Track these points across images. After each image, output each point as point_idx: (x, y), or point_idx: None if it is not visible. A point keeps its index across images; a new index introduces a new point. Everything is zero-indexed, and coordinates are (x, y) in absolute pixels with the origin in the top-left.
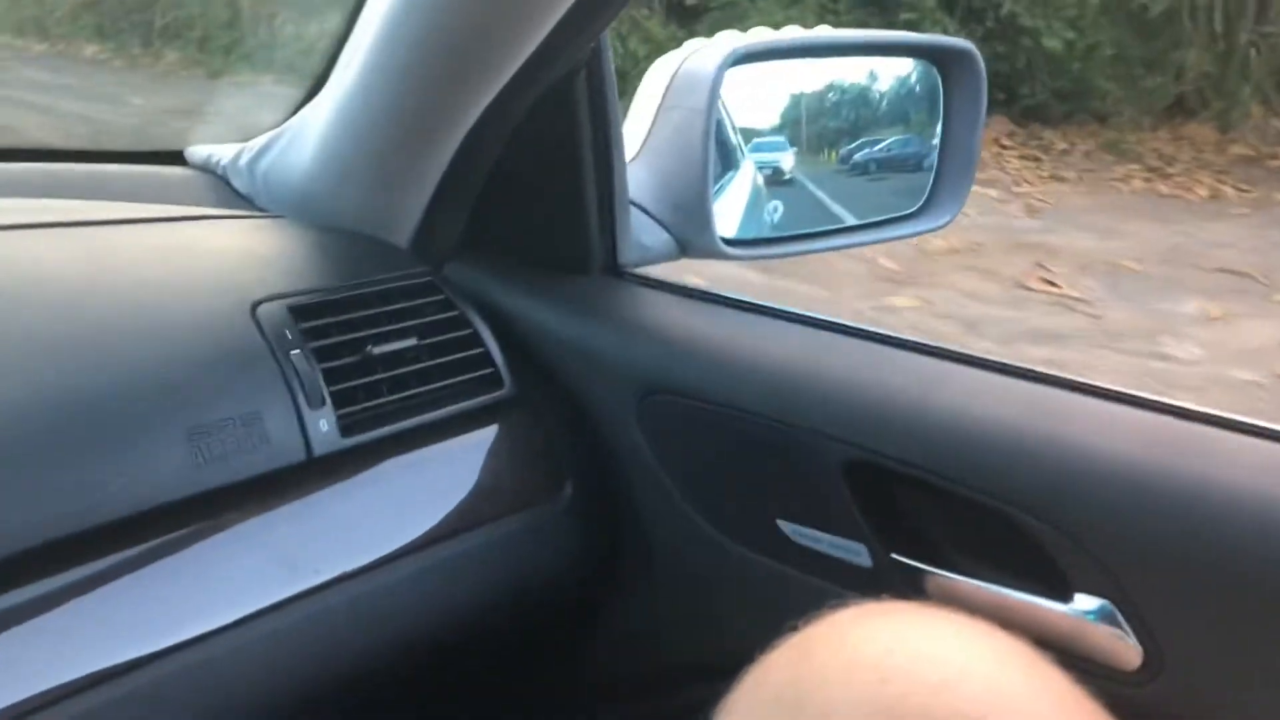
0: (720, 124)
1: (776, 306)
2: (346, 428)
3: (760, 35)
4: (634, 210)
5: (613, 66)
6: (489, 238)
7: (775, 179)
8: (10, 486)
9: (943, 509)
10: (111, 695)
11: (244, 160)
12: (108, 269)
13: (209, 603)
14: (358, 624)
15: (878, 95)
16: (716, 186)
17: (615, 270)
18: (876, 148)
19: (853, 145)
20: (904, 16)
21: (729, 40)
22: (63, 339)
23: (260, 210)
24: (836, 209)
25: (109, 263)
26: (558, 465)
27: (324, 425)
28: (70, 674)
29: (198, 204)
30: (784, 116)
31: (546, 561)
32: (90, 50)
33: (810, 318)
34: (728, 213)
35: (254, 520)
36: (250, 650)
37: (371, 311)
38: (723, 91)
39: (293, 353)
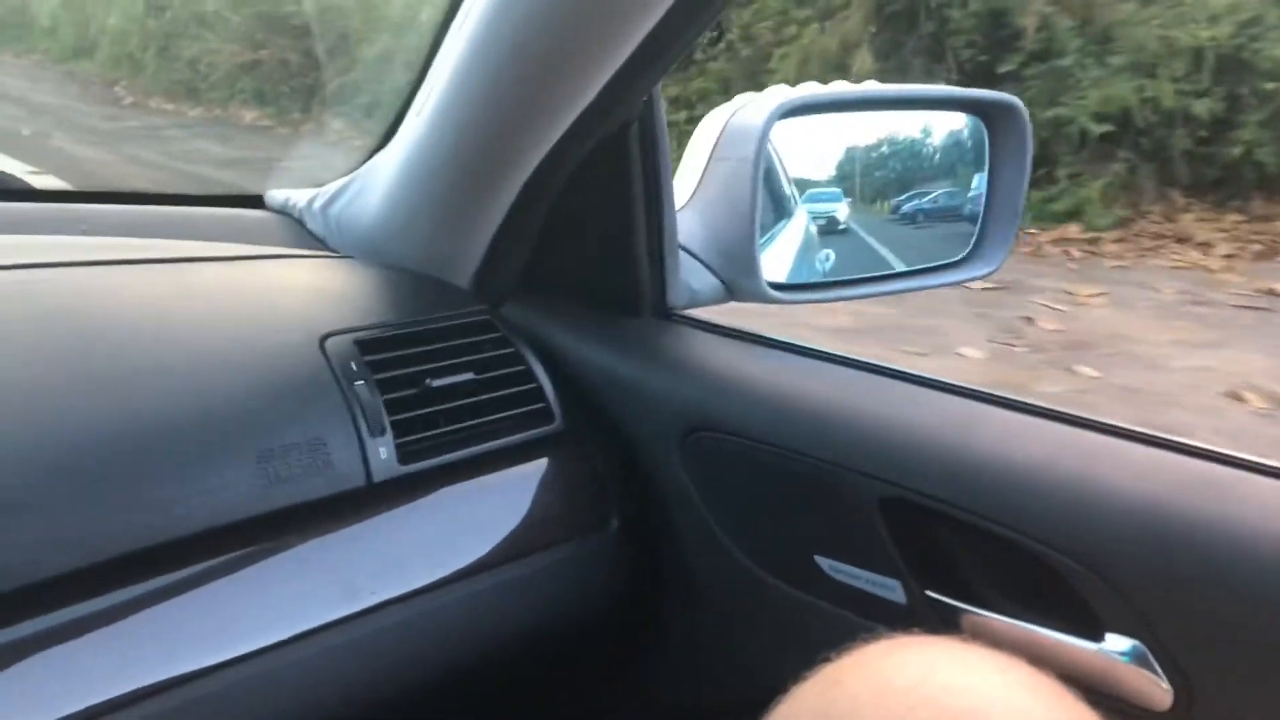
0: (773, 174)
1: (817, 348)
2: (405, 456)
3: (809, 89)
4: (684, 255)
5: (664, 117)
6: (545, 279)
7: (829, 228)
8: (96, 501)
9: (976, 547)
10: (175, 703)
11: (318, 204)
12: (190, 302)
13: (271, 618)
14: (409, 645)
15: (928, 147)
16: (768, 234)
17: (664, 312)
18: (926, 198)
19: (903, 195)
20: None
21: (778, 94)
22: (147, 365)
23: (331, 251)
24: (886, 256)
25: (191, 296)
26: (604, 498)
27: (384, 453)
28: (140, 680)
29: (274, 244)
30: (839, 168)
31: (591, 591)
32: (250, 116)
33: (848, 359)
34: (778, 259)
35: (315, 541)
36: (307, 666)
37: (432, 347)
38: (776, 143)
39: (357, 383)
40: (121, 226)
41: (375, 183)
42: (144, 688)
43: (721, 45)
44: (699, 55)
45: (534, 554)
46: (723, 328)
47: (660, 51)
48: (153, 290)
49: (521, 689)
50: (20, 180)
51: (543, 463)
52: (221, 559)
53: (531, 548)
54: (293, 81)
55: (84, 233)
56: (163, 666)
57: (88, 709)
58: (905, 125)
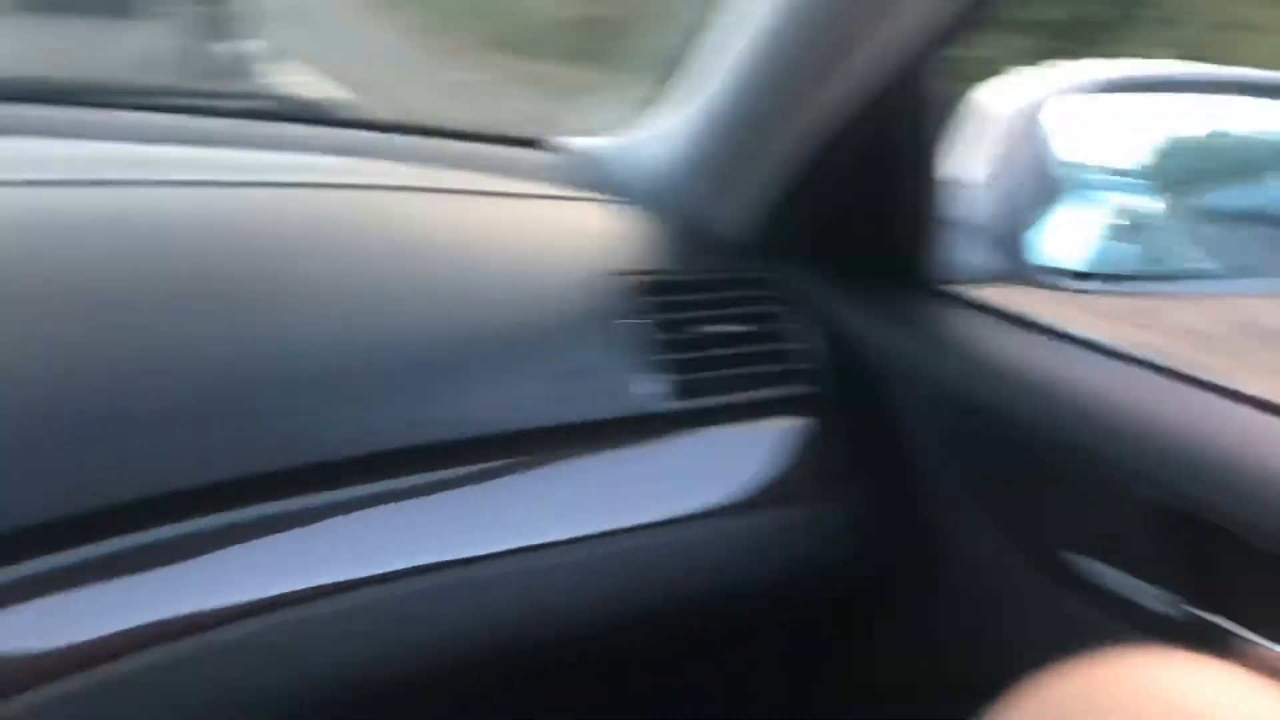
0: (1066, 153)
1: (1096, 339)
2: (678, 392)
3: (1119, 64)
4: (962, 230)
5: (943, 85)
6: (818, 242)
7: (1130, 216)
8: (409, 394)
9: (1257, 568)
10: (447, 581)
11: (605, 149)
12: (483, 232)
13: (540, 523)
14: (646, 572)
15: (1260, 139)
16: (1057, 215)
17: (934, 287)
18: (1258, 196)
19: (1225, 189)
20: None
21: (1084, 68)
22: (446, 285)
23: (614, 195)
24: (1199, 254)
25: (484, 227)
26: (855, 466)
27: (653, 387)
28: (419, 558)
29: (561, 184)
30: (1147, 153)
31: (830, 557)
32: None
33: (1132, 355)
34: (1067, 243)
35: (588, 458)
36: (560, 573)
37: (704, 295)
38: (1080, 121)
39: (633, 320)
40: (420, 156)
41: (660, 133)
42: (422, 565)
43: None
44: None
45: (777, 507)
46: (994, 307)
47: (981, 9)
48: (451, 219)
49: (738, 646)
50: (332, 108)
51: (799, 421)
52: (505, 461)
53: (776, 501)
54: (616, 41)
55: (384, 159)
56: (445, 547)
57: (376, 575)
58: (1236, 113)
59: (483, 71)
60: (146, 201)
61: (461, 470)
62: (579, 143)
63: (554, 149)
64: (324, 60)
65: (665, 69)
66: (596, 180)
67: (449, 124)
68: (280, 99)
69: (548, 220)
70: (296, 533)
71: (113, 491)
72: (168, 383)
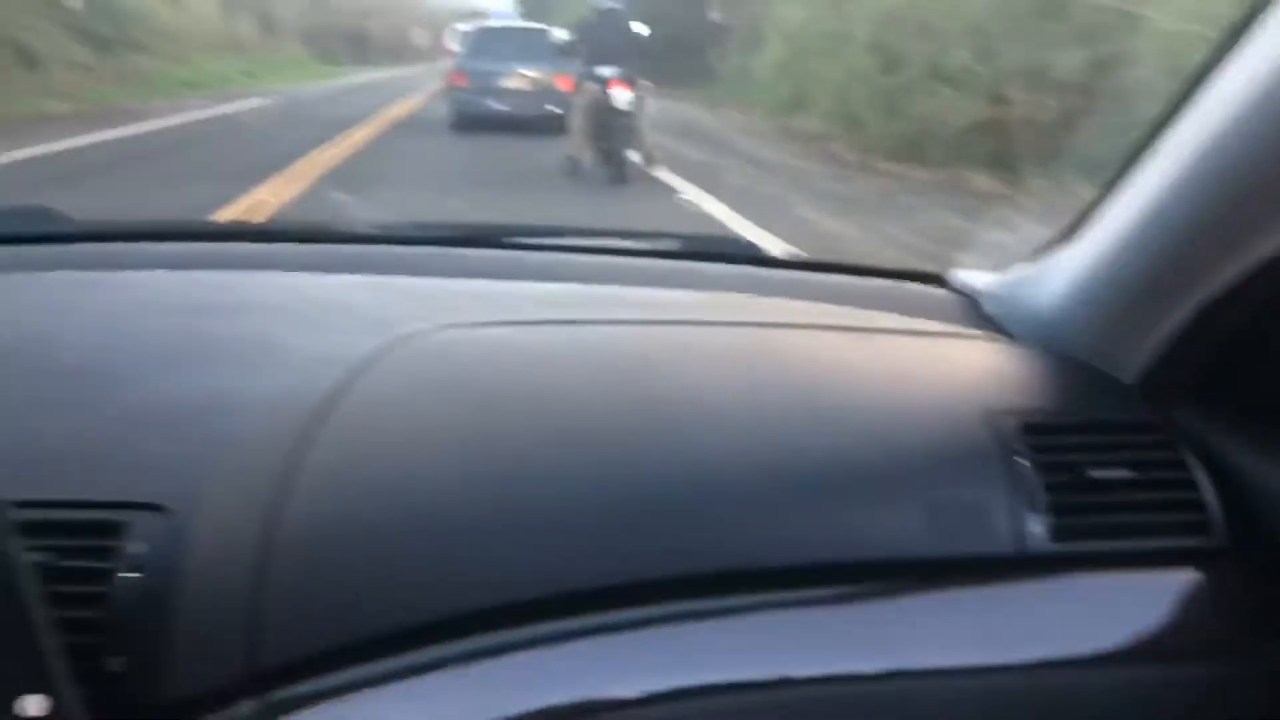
0: None
1: None
2: (1057, 534)
3: None
4: None
5: None
6: (1214, 385)
7: None
8: (794, 513)
9: None
10: (812, 695)
11: (996, 287)
12: (872, 364)
13: (906, 647)
14: (1012, 714)
15: None
16: None
17: None
18: None
19: None
20: None
21: None
22: (832, 412)
23: (1004, 333)
24: None
25: (874, 359)
26: (1262, 626)
27: (1038, 527)
28: (791, 669)
29: (950, 321)
30: None
31: None
32: (980, 180)
33: None
34: None
35: (963, 591)
36: (927, 702)
37: (1093, 438)
38: None
39: (1019, 460)
40: (818, 292)
41: (1057, 270)
42: (796, 677)
43: None
44: None
45: (1171, 663)
46: None
47: None
48: (841, 350)
49: None
50: (737, 245)
51: (1194, 574)
52: (881, 586)
53: (1169, 656)
54: (1036, 143)
55: (785, 296)
56: (818, 662)
57: (758, 680)
58: None
59: (883, 181)
60: (591, 337)
61: (843, 590)
62: (973, 277)
63: (949, 284)
64: (723, 189)
65: (1071, 189)
66: (989, 316)
67: (847, 260)
68: (687, 239)
69: (939, 356)
70: (691, 630)
71: (568, 580)
72: (610, 489)
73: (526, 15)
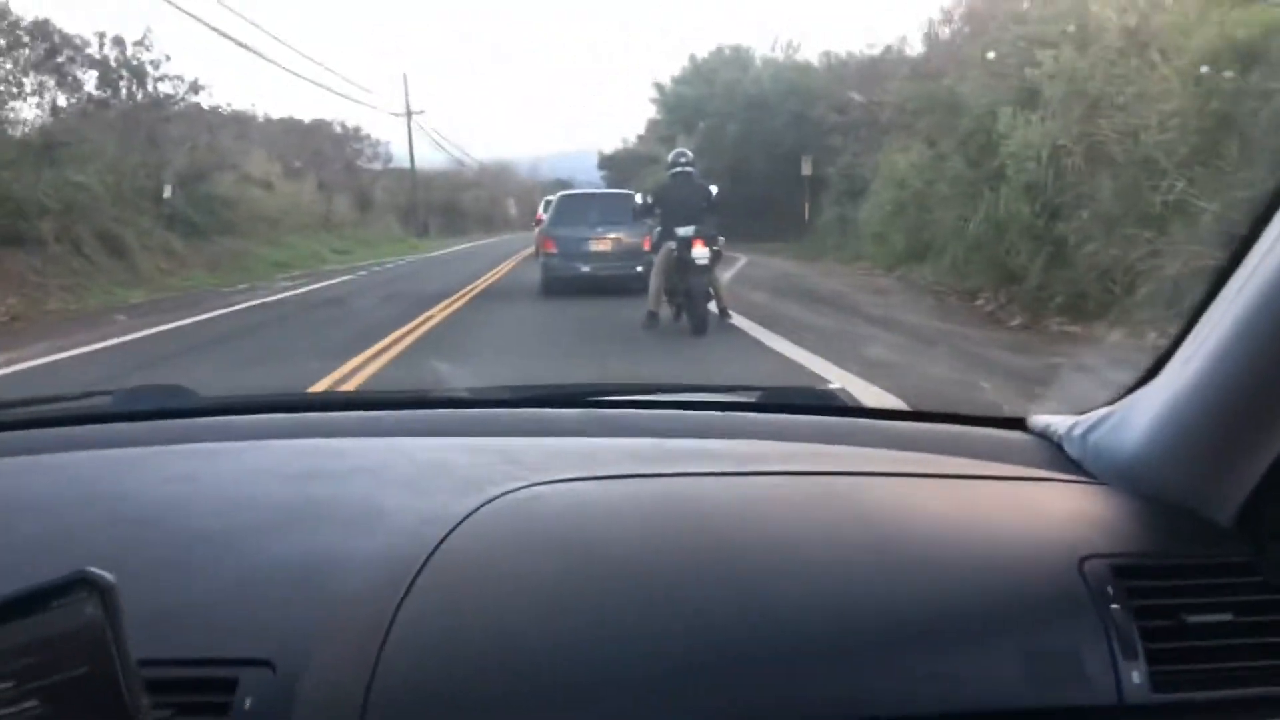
0: None
1: None
2: (1158, 684)
3: None
4: None
5: None
6: None
7: None
8: (880, 663)
9: None
10: None
11: (1078, 430)
12: (962, 512)
13: None
14: None
15: None
16: None
17: None
18: None
19: None
20: None
21: None
22: (926, 563)
23: (1089, 476)
24: None
25: (963, 508)
26: None
27: (1136, 677)
28: None
29: (1033, 465)
30: None
31: None
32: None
33: None
34: None
35: None
36: None
37: (1189, 582)
38: None
39: (1113, 606)
40: (899, 440)
41: (1139, 411)
42: None
43: None
44: None
45: None
46: None
47: None
48: (923, 497)
49: None
50: (817, 395)
51: None
52: None
53: None
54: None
55: (875, 445)
56: None
57: None
58: None
59: (1073, 347)
60: (673, 489)
61: None
62: (1058, 420)
63: (1033, 428)
64: (875, 369)
65: (1159, 334)
66: (1076, 460)
67: (930, 408)
68: (766, 390)
69: (1023, 500)
70: None
71: None
72: (693, 643)
73: (611, 184)
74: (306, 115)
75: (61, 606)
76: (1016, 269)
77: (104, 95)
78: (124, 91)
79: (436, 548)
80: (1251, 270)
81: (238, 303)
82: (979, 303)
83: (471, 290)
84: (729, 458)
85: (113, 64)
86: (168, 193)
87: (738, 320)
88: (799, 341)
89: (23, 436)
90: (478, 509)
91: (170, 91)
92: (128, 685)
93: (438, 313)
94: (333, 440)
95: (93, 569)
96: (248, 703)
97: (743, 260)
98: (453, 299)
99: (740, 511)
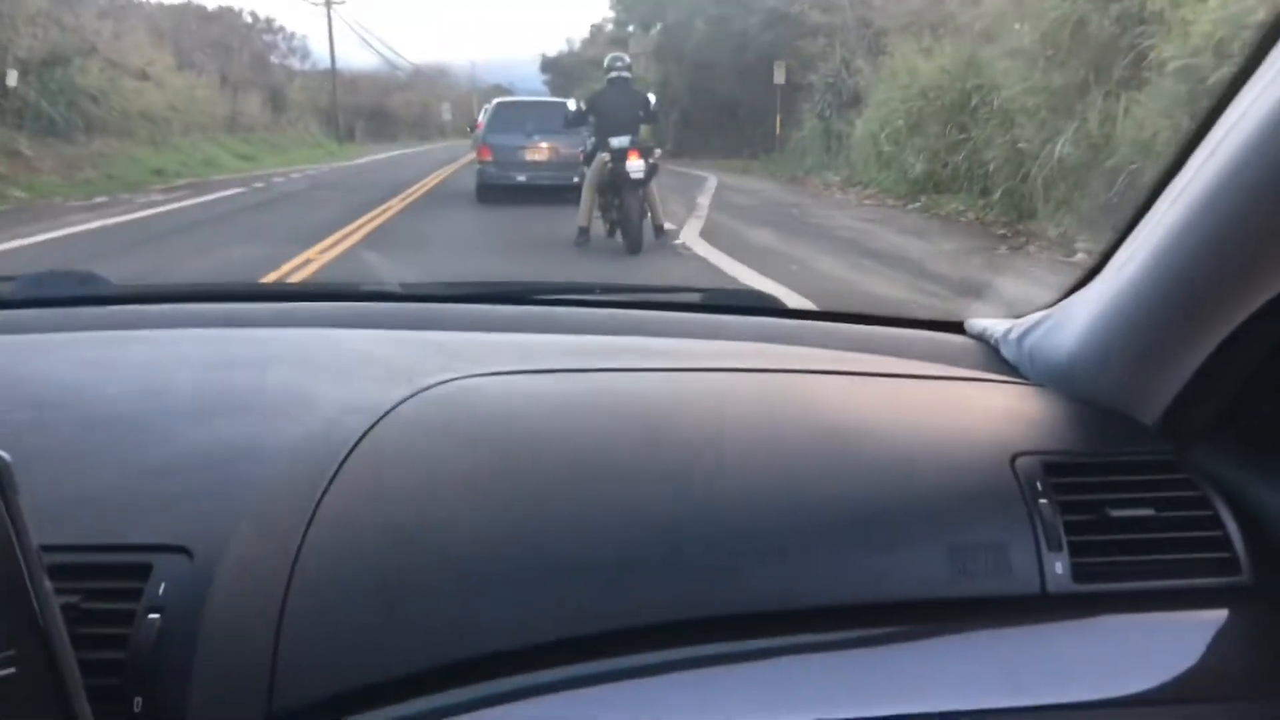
0: None
1: None
2: (1079, 575)
3: None
4: None
5: None
6: (1243, 423)
7: None
8: (817, 557)
9: None
10: None
11: (1014, 334)
12: (894, 411)
13: (936, 690)
14: None
15: None
16: None
17: None
18: None
19: None
20: None
21: None
22: (858, 458)
23: (1023, 378)
24: None
25: (895, 406)
26: None
27: (1059, 568)
28: (822, 712)
29: (970, 367)
30: None
31: None
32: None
33: None
34: None
35: (987, 633)
36: None
37: (1113, 478)
38: None
39: (1040, 501)
40: (841, 341)
41: (1072, 315)
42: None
43: None
44: None
45: (1202, 703)
46: None
47: None
48: (863, 399)
49: None
50: (758, 297)
51: (1223, 613)
52: (905, 627)
53: (1201, 696)
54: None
55: (816, 346)
56: (839, 705)
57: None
58: None
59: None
60: (612, 384)
61: (867, 633)
62: (995, 324)
63: (971, 331)
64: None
65: (1092, 232)
66: (1011, 362)
67: (870, 311)
68: (708, 292)
69: (959, 401)
70: (714, 674)
71: (582, 624)
72: (630, 532)
73: (554, 91)
74: (209, 1)
75: None
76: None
77: None
78: None
79: (364, 436)
80: (1190, 177)
81: (66, 225)
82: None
83: (385, 211)
84: (669, 355)
85: None
86: (11, 80)
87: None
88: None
89: None
90: (408, 398)
91: None
92: (28, 568)
93: (336, 241)
94: (254, 330)
95: None
96: (161, 589)
97: (712, 181)
98: (358, 224)
99: (678, 407)
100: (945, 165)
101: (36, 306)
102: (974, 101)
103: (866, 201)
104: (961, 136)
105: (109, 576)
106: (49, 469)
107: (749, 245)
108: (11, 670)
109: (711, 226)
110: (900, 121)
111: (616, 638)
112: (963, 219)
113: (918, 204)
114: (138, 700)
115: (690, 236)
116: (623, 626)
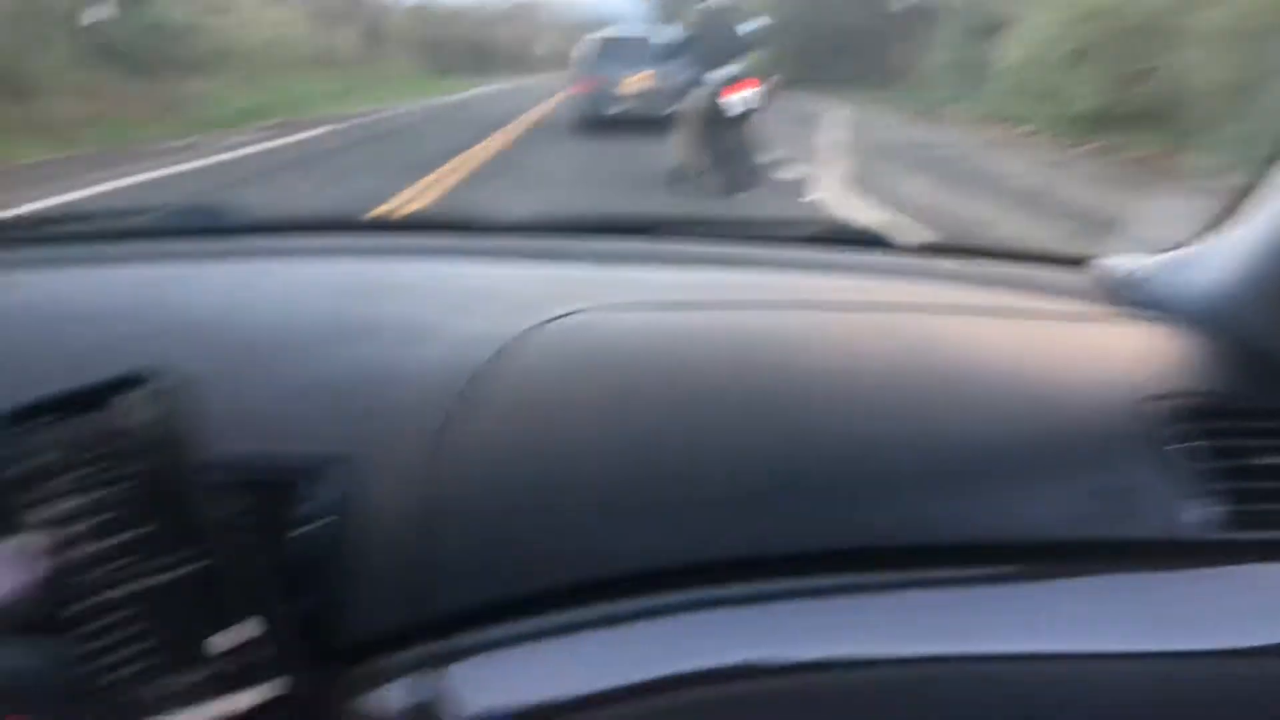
0: None
1: None
2: (1223, 523)
3: None
4: None
5: None
6: None
7: None
8: (945, 493)
9: None
10: (961, 673)
11: (1148, 270)
12: (1027, 352)
13: (1064, 628)
14: (1174, 704)
15: None
16: None
17: None
18: None
19: None
20: None
21: None
22: (985, 402)
23: (1156, 317)
24: None
25: (1027, 347)
26: None
27: (1197, 515)
28: (944, 646)
29: (1098, 304)
30: None
31: None
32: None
33: None
34: None
35: (1126, 576)
36: (1092, 685)
37: (1256, 424)
38: None
39: (1176, 446)
40: (962, 277)
41: (1214, 251)
42: (945, 655)
43: None
44: None
45: None
46: None
47: None
48: (989, 339)
49: None
50: (877, 232)
51: None
52: (1042, 565)
53: None
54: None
55: (928, 280)
56: (960, 639)
57: (900, 657)
58: None
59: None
60: (731, 321)
61: (990, 570)
62: (1126, 260)
63: (1100, 268)
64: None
65: (1238, 172)
66: (1144, 299)
67: (993, 245)
68: (827, 225)
69: (1089, 340)
70: (835, 604)
71: (699, 550)
72: (749, 465)
73: (659, 19)
74: None
75: (120, 404)
76: None
77: None
78: None
79: (491, 365)
80: None
81: (163, 165)
82: None
83: (485, 148)
84: (788, 290)
85: None
86: (94, 17)
87: None
88: None
89: (65, 251)
90: (531, 331)
91: None
92: (191, 482)
93: (440, 177)
94: (377, 261)
95: (150, 367)
96: (323, 496)
97: (835, 115)
98: (460, 158)
99: (800, 343)
100: (1124, 99)
101: (177, 237)
102: (1165, 24)
103: (1027, 141)
104: (1146, 66)
105: (257, 490)
106: (208, 388)
107: (907, 200)
108: (184, 571)
109: (849, 173)
110: (1069, 46)
111: (738, 565)
112: (1163, 164)
113: (1093, 144)
114: (303, 602)
115: (828, 186)
116: (742, 555)
